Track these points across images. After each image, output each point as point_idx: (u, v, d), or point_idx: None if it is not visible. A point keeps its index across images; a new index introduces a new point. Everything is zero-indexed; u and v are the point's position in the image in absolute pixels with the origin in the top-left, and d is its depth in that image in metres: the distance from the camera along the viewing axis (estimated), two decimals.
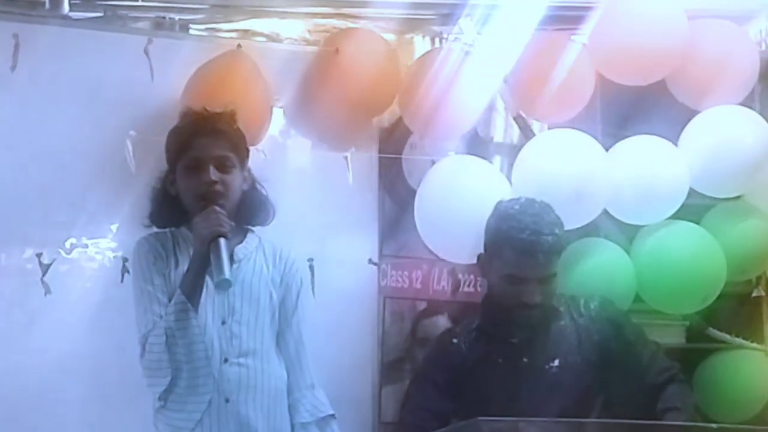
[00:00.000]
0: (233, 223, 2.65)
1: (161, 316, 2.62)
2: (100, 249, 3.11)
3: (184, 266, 2.69)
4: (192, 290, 2.61)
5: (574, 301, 3.07)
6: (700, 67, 3.38)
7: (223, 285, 2.56)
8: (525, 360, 2.97)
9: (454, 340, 3.05)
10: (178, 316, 2.59)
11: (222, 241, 2.57)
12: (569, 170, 3.18)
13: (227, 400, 2.66)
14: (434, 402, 2.97)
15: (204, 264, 2.60)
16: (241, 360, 2.69)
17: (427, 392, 3.00)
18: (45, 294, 3.01)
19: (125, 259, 3.04)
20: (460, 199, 3.23)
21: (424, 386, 3.02)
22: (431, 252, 3.42)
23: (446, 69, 3.26)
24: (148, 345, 2.62)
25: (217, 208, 2.62)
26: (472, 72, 3.30)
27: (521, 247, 2.85)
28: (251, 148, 2.89)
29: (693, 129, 3.41)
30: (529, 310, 2.91)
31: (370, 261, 3.44)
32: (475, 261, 3.10)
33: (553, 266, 2.90)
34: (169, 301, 2.64)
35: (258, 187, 2.85)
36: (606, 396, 3.02)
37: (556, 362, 2.97)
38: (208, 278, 2.65)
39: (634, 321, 3.16)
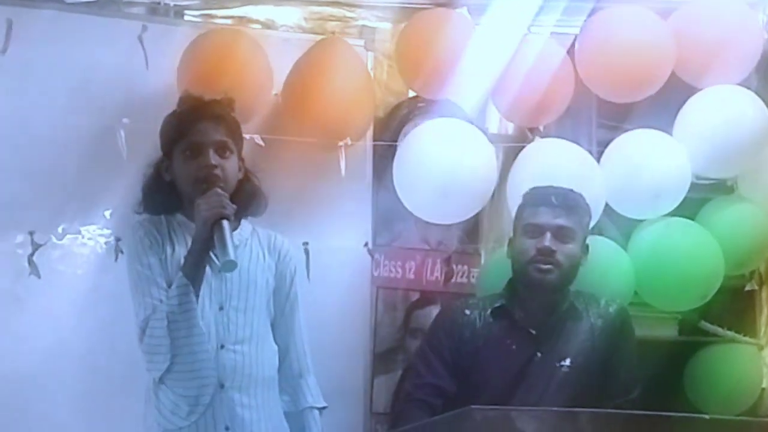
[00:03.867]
0: (235, 207, 2.63)
1: (161, 300, 2.61)
2: (93, 235, 3.09)
3: (180, 252, 2.67)
4: (194, 273, 2.59)
5: (594, 300, 3.02)
6: (705, 43, 3.35)
7: (229, 267, 2.54)
8: (539, 354, 2.92)
9: (467, 312, 2.99)
10: (181, 300, 2.57)
11: (225, 223, 2.55)
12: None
13: (222, 386, 2.65)
14: (442, 379, 2.91)
15: (206, 246, 2.59)
16: (237, 347, 2.68)
17: (434, 367, 2.93)
18: (29, 275, 2.99)
19: (118, 239, 3.04)
20: (439, 158, 3.21)
21: (432, 360, 2.95)
22: (425, 242, 3.40)
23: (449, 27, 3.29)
24: (148, 329, 2.60)
25: (219, 191, 2.61)
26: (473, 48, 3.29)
27: (536, 196, 2.97)
28: (246, 136, 2.89)
29: (689, 110, 3.39)
30: (545, 262, 2.88)
31: (365, 244, 3.41)
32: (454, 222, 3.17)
33: (570, 219, 2.92)
34: (168, 285, 2.62)
35: (252, 177, 2.82)
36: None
37: (567, 361, 2.92)
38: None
39: (635, 339, 3.09)
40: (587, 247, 3.01)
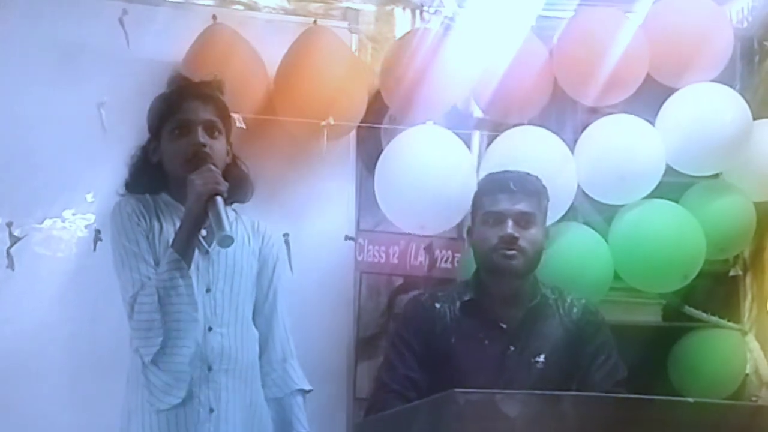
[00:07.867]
0: (228, 184, 2.61)
1: (149, 277, 2.57)
2: (73, 218, 3.07)
3: (168, 230, 2.64)
4: (185, 249, 2.57)
5: (561, 297, 2.99)
6: (677, 44, 3.36)
7: (226, 242, 2.51)
8: (512, 348, 2.89)
9: (437, 305, 2.96)
10: (172, 275, 2.54)
11: (219, 199, 2.53)
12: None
13: (210, 368, 2.63)
14: (415, 371, 2.88)
15: (199, 222, 2.56)
16: (224, 330, 2.66)
17: (407, 359, 2.90)
18: (7, 267, 2.97)
19: (98, 231, 3.01)
20: (420, 168, 3.22)
21: (404, 352, 2.92)
22: None
23: (428, 47, 3.24)
24: (137, 305, 2.56)
25: (213, 167, 2.58)
26: (453, 47, 3.27)
27: (494, 184, 2.94)
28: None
29: (671, 106, 3.40)
30: (508, 249, 2.86)
31: (347, 237, 3.41)
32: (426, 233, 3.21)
33: (530, 204, 2.89)
34: (155, 264, 2.59)
35: (239, 163, 2.81)
36: None
37: (542, 357, 2.89)
38: None
39: (609, 337, 3.01)
40: (547, 230, 2.99)
